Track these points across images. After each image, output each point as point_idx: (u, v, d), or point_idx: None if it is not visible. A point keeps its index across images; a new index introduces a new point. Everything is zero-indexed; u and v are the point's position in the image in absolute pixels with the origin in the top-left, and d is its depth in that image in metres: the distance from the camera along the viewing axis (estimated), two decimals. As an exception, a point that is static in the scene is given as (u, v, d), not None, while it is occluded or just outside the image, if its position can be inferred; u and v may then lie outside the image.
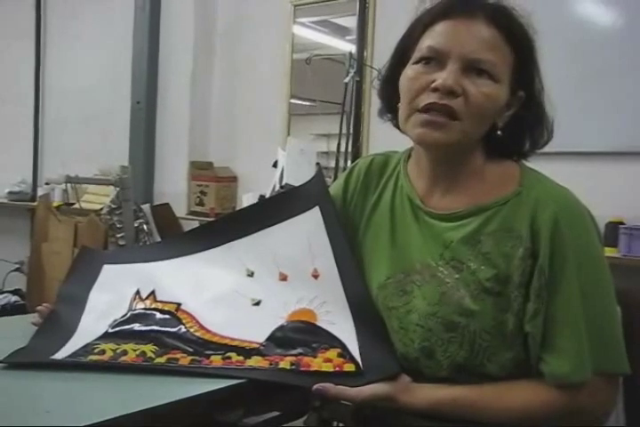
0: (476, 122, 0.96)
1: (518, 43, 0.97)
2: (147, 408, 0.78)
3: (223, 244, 1.14)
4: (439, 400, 0.92)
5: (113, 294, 1.10)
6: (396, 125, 1.07)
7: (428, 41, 0.97)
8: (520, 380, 0.94)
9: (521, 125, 1.02)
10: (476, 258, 0.95)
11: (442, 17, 0.97)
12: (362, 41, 2.93)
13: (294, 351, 0.96)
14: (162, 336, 0.99)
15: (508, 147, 1.04)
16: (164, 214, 3.15)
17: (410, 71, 0.99)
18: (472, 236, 0.97)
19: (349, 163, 2.80)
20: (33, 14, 4.32)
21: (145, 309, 1.05)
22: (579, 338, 0.91)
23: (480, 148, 1.03)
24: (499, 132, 1.01)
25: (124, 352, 0.94)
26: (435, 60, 0.96)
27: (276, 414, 1.07)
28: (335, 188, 1.17)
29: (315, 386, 0.88)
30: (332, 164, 2.82)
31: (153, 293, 1.08)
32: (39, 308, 1.08)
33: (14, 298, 3.69)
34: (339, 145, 2.80)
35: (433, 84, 0.94)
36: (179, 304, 1.06)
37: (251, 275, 1.10)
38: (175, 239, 1.27)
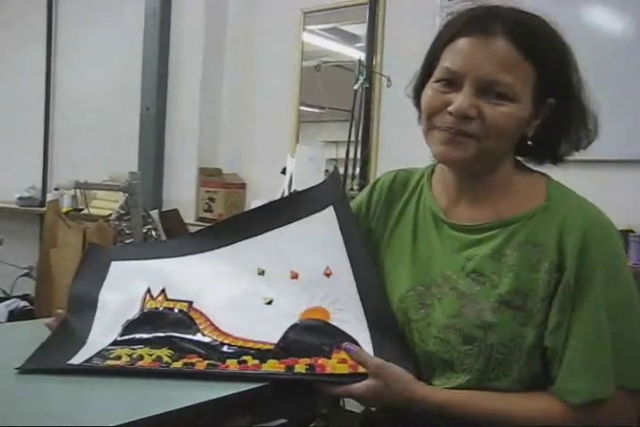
0: (496, 140, 0.95)
1: (541, 57, 0.94)
2: (153, 415, 0.78)
3: (234, 242, 1.14)
4: (454, 398, 0.91)
5: (123, 293, 1.09)
6: None
7: (446, 61, 0.96)
8: (536, 393, 0.93)
9: (554, 131, 1.00)
10: (500, 271, 0.95)
11: (460, 33, 0.95)
12: (371, 48, 2.94)
13: (309, 353, 0.95)
14: (177, 340, 0.98)
15: (540, 153, 1.03)
16: (172, 220, 3.15)
17: (429, 90, 0.98)
18: (497, 249, 0.96)
19: (358, 170, 2.80)
20: (44, 23, 4.35)
21: (157, 308, 1.05)
22: (600, 354, 0.89)
23: (509, 159, 1.02)
24: (529, 143, 0.99)
25: (140, 357, 0.94)
26: (452, 80, 0.95)
27: (283, 421, 1.06)
28: (358, 201, 1.17)
29: (344, 344, 0.93)
30: (342, 170, 2.82)
31: (163, 291, 1.08)
32: (59, 311, 1.05)
33: (23, 303, 3.69)
34: (347, 152, 2.81)
35: (448, 109, 0.94)
36: (190, 302, 1.05)
37: (261, 273, 1.10)
38: (185, 238, 1.26)
